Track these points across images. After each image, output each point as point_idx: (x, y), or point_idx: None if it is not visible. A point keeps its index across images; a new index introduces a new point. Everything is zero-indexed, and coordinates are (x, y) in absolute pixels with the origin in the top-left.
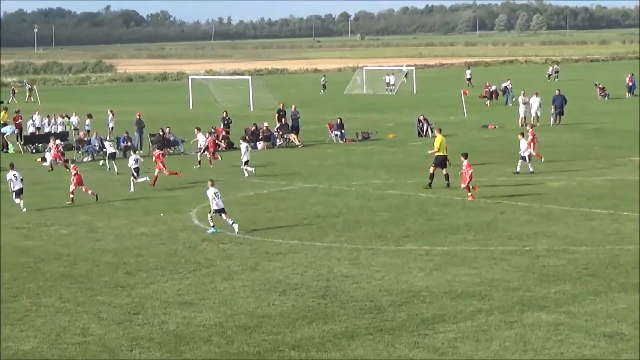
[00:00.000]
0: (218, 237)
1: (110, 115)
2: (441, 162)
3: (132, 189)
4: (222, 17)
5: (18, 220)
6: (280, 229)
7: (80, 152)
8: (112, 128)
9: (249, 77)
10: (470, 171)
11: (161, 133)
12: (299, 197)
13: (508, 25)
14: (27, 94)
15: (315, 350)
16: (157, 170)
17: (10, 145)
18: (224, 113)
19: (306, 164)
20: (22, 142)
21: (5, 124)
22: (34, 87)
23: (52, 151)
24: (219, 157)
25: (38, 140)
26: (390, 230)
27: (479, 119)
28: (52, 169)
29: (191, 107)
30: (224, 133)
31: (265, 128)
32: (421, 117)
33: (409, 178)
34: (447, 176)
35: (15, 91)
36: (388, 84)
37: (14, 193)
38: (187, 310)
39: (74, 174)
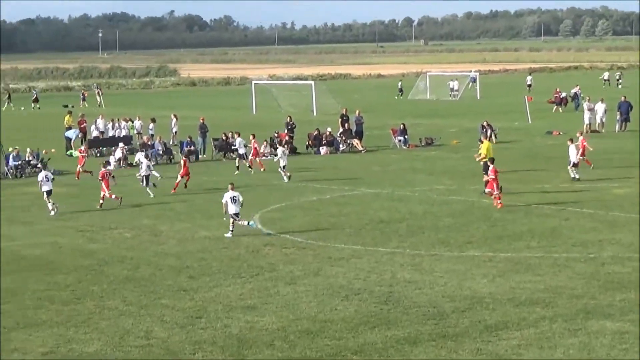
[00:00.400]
0: (281, 242)
1: (174, 119)
2: (487, 167)
3: (151, 194)
4: (285, 22)
5: (82, 224)
6: (343, 234)
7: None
8: (175, 132)
9: (312, 82)
10: (495, 177)
11: (224, 138)
12: (362, 203)
13: (573, 31)
14: (98, 98)
15: (377, 355)
16: (179, 177)
17: (72, 150)
18: (288, 118)
19: (369, 170)
20: (86, 146)
21: (69, 128)
22: (95, 91)
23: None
24: (260, 162)
25: (102, 144)
26: (453, 236)
27: (543, 125)
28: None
29: (254, 112)
30: (287, 138)
31: (328, 133)
32: (485, 123)
33: (473, 184)
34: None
35: (86, 95)
36: (452, 90)
37: (44, 193)
38: (250, 315)
39: (103, 179)
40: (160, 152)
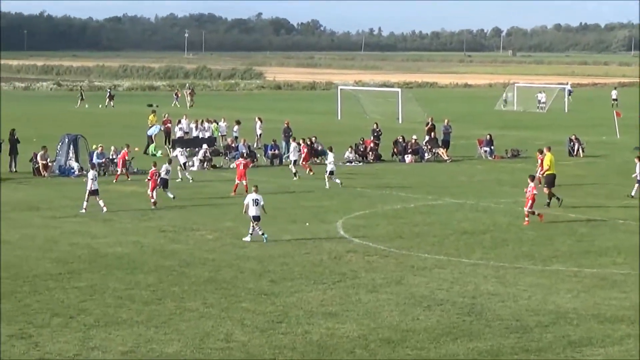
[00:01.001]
0: (364, 249)
1: (259, 122)
2: (552, 181)
3: (171, 195)
4: (372, 28)
5: (164, 224)
6: (427, 244)
7: (227, 158)
8: (259, 135)
9: (399, 90)
10: (533, 194)
11: (308, 142)
12: (446, 212)
13: None
14: (189, 99)
15: None
16: (237, 180)
17: (152, 147)
18: (375, 125)
19: (454, 179)
20: (169, 146)
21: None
22: (185, 91)
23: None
24: (310, 167)
25: (185, 144)
26: (537, 250)
27: (632, 141)
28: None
29: (339, 118)
30: (371, 145)
31: (413, 141)
32: (573, 137)
33: None
34: (550, 195)
35: (179, 95)
36: (539, 102)
37: (88, 192)
38: (331, 321)
39: (151, 178)
40: (245, 154)
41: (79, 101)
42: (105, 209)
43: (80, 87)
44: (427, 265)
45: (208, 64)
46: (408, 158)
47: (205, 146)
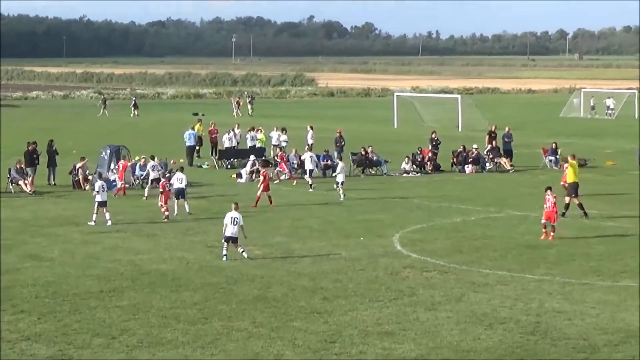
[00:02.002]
0: (421, 264)
1: (310, 131)
2: (575, 189)
3: (187, 209)
4: (430, 31)
5: (210, 239)
6: (488, 259)
7: (277, 169)
8: (311, 145)
9: (459, 96)
10: (553, 206)
11: (363, 152)
12: (508, 226)
13: None
14: (249, 107)
15: None
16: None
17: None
18: (433, 134)
19: (517, 191)
20: (216, 157)
21: (199, 137)
22: (246, 99)
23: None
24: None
25: (233, 155)
26: (606, 265)
27: None
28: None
29: (395, 126)
30: (429, 155)
31: (474, 150)
32: None
33: (628, 210)
34: (580, 205)
35: (240, 103)
36: (608, 108)
37: (96, 203)
38: (387, 341)
39: (163, 191)
40: (295, 165)
41: (101, 109)
42: (110, 222)
43: (103, 94)
44: (488, 282)
45: (257, 70)
46: (468, 168)
47: (253, 157)
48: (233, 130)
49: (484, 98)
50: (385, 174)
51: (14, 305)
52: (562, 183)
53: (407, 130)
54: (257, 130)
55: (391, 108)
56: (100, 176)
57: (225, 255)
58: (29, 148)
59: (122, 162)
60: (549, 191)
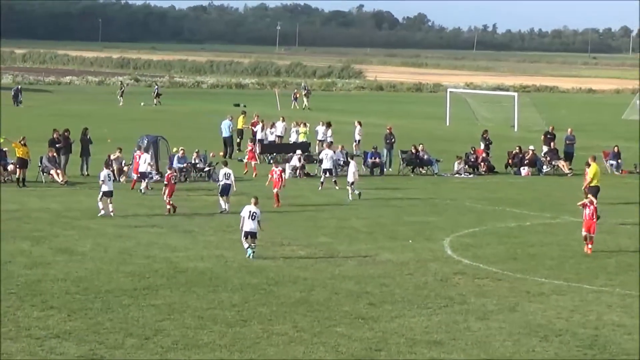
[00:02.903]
0: (473, 271)
1: (358, 126)
2: (595, 193)
3: (224, 206)
4: (486, 25)
5: None
6: (544, 267)
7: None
8: (358, 141)
9: (515, 94)
10: (591, 215)
11: (414, 150)
12: (565, 232)
13: None
14: (304, 101)
15: None
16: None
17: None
18: (484, 133)
19: (575, 196)
20: (258, 151)
21: (241, 130)
22: (302, 91)
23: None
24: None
25: (276, 150)
26: None
27: None
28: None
29: (448, 123)
30: (483, 155)
31: (531, 152)
32: None
33: None
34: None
35: (298, 96)
36: None
37: (101, 193)
38: (436, 351)
39: (168, 183)
40: (342, 162)
41: (118, 97)
42: (113, 214)
43: (121, 82)
44: (544, 291)
45: (302, 60)
46: (524, 170)
47: (298, 152)
48: (276, 124)
49: (542, 97)
50: (436, 174)
51: (44, 301)
52: (584, 187)
53: (460, 128)
54: (301, 124)
55: (444, 104)
56: (107, 166)
57: (248, 248)
58: (65, 134)
59: (137, 152)
60: (589, 198)
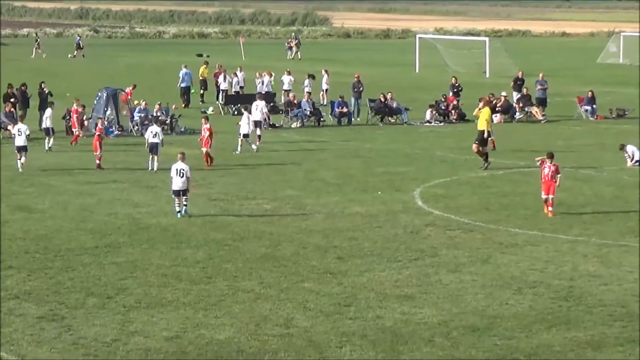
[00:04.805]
0: (445, 222)
1: (325, 75)
2: (482, 138)
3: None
4: None
5: (215, 192)
6: (517, 217)
7: (288, 116)
8: (326, 90)
9: (486, 39)
10: (551, 175)
11: (382, 99)
12: (540, 182)
13: None
14: (294, 50)
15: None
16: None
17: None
18: (453, 79)
19: (549, 143)
20: (222, 102)
21: (204, 81)
22: (294, 41)
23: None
24: None
25: (241, 100)
26: None
27: None
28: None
29: (417, 71)
30: (454, 102)
31: (503, 98)
32: None
33: None
34: (480, 154)
35: (292, 46)
36: None
37: (15, 149)
38: (407, 305)
39: (206, 135)
40: (308, 112)
41: (34, 50)
42: (21, 170)
43: (36, 33)
44: (517, 242)
45: (267, 7)
46: (496, 118)
47: (263, 102)
48: (237, 73)
49: (514, 41)
50: (405, 123)
51: (2, 260)
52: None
53: (430, 75)
54: (266, 73)
55: (413, 51)
56: (156, 120)
57: (179, 211)
58: (22, 88)
59: (74, 107)
60: (548, 159)
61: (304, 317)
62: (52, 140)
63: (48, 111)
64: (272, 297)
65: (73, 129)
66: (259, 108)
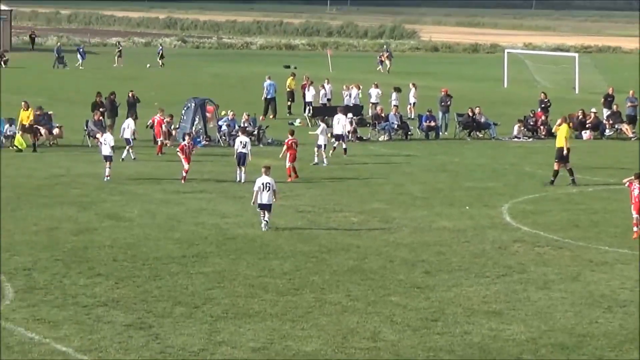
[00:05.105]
0: (533, 239)
1: (413, 89)
2: (562, 155)
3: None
4: None
5: (302, 203)
6: (607, 235)
7: (376, 129)
8: (413, 104)
9: (576, 55)
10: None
11: (470, 113)
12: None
13: None
14: (386, 63)
15: None
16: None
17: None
18: (542, 95)
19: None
20: (309, 115)
21: (291, 92)
22: (386, 53)
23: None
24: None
25: (328, 113)
26: None
27: None
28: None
29: (505, 86)
30: (543, 118)
31: (593, 115)
32: None
33: None
34: (571, 171)
35: (383, 59)
36: None
37: (103, 158)
38: (495, 321)
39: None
40: (396, 126)
41: (116, 58)
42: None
43: (118, 42)
44: (607, 260)
45: (355, 20)
46: (586, 134)
47: (350, 115)
48: (324, 85)
49: (605, 58)
50: (493, 137)
51: (91, 267)
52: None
53: (518, 90)
54: (354, 86)
55: (501, 66)
56: (243, 131)
57: (265, 224)
58: (111, 97)
59: (159, 117)
60: (636, 179)
61: (391, 331)
62: (130, 150)
63: (127, 121)
64: (359, 310)
65: (157, 139)
66: (340, 122)
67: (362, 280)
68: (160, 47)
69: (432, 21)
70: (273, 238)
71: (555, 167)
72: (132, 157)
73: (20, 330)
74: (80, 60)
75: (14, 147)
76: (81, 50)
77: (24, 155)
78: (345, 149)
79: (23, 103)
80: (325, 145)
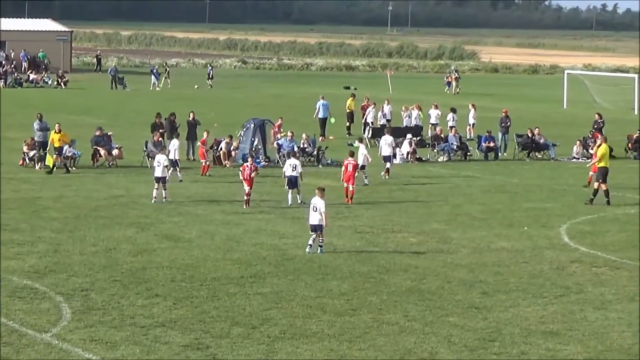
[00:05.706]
0: (591, 259)
1: (472, 110)
2: (604, 174)
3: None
4: (605, 4)
5: (361, 224)
6: None
7: (435, 150)
8: (472, 125)
9: (635, 76)
10: None
11: (530, 134)
12: None
13: None
14: (454, 84)
15: None
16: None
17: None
18: (597, 115)
19: None
20: (369, 136)
21: (351, 113)
22: (454, 75)
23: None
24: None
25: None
26: None
27: None
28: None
29: (565, 106)
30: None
31: None
32: None
33: None
34: (607, 192)
35: (450, 80)
36: None
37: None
38: (552, 341)
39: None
40: (455, 146)
41: (164, 78)
42: (164, 200)
43: (165, 63)
44: None
45: (415, 41)
46: None
47: (409, 136)
48: (383, 107)
49: None
50: (552, 158)
51: (149, 288)
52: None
53: (578, 111)
54: (415, 107)
55: (561, 87)
56: (294, 154)
57: (310, 245)
58: (170, 118)
59: (204, 137)
60: None
61: (449, 351)
62: (177, 171)
63: (175, 143)
64: (417, 330)
65: (201, 160)
66: (387, 142)
67: (420, 300)
68: (210, 68)
69: (492, 42)
70: (331, 259)
71: (595, 186)
72: (179, 179)
73: (78, 351)
74: (155, 81)
75: (44, 167)
76: (154, 70)
77: (84, 176)
78: (387, 169)
79: (57, 125)
80: (365, 165)
